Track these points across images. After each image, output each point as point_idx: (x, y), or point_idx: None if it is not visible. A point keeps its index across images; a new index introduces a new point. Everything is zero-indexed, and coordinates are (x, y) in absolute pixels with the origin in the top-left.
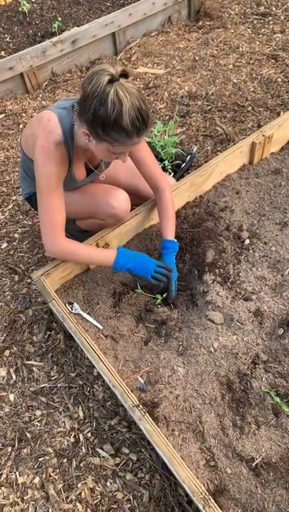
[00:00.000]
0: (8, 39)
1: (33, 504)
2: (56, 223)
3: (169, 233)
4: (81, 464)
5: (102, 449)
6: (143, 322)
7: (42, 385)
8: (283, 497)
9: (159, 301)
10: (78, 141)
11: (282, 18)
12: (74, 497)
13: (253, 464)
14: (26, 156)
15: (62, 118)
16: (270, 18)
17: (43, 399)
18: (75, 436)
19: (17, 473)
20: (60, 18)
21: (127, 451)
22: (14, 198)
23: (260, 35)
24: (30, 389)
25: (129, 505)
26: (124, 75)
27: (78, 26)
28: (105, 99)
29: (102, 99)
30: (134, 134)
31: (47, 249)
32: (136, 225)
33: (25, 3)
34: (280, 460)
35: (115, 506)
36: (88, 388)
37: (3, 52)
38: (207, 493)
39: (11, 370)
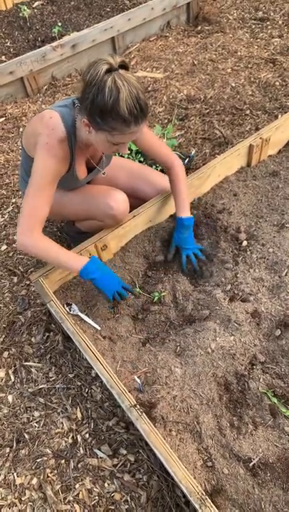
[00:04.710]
0: (8, 44)
1: (30, 505)
2: (38, 217)
3: (181, 211)
4: (79, 465)
5: (99, 450)
6: (141, 323)
7: (40, 386)
8: (280, 497)
9: (156, 299)
10: (80, 136)
11: (280, 22)
12: (72, 498)
13: (250, 465)
14: (27, 155)
15: (65, 115)
16: (268, 22)
17: (41, 400)
18: (73, 437)
19: (15, 474)
20: (60, 23)
21: (124, 452)
22: (14, 200)
23: (259, 40)
24: (29, 390)
25: (126, 507)
26: (124, 66)
27: (78, 31)
28: (103, 86)
29: (100, 87)
30: (132, 122)
31: (18, 242)
32: (134, 226)
33: (25, 8)
34: (277, 460)
35: (113, 507)
36: (86, 389)
37: (3, 56)
38: (204, 494)
39: (10, 372)
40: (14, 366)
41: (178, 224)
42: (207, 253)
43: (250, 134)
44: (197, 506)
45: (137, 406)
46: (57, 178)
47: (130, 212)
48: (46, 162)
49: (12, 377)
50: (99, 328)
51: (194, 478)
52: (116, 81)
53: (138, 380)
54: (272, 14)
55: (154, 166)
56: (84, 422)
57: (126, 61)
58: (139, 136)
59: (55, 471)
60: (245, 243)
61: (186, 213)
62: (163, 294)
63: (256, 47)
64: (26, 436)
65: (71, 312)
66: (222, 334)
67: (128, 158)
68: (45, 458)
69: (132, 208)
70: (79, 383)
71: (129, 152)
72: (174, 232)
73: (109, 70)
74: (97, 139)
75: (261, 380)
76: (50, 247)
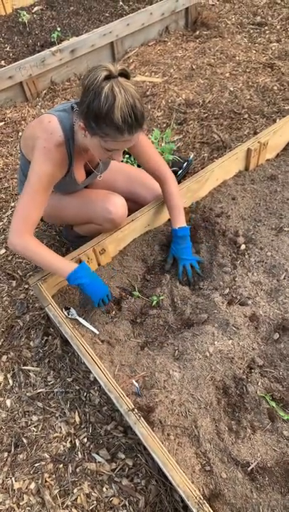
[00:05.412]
0: (8, 49)
1: (28, 510)
2: (31, 219)
3: (177, 221)
4: (77, 470)
5: (98, 454)
6: (139, 327)
7: (39, 390)
8: (278, 501)
9: (154, 303)
10: (79, 140)
11: (278, 27)
12: (70, 503)
13: (249, 469)
14: (26, 158)
15: (63, 119)
16: (266, 27)
17: (40, 404)
18: (71, 441)
19: (13, 478)
20: (59, 28)
21: (123, 456)
22: (13, 204)
23: (257, 45)
24: (27, 394)
25: (125, 511)
26: (124, 74)
27: (77, 36)
28: (100, 92)
29: (97, 93)
30: (125, 131)
31: (10, 241)
32: (133, 230)
33: (25, 13)
34: (276, 465)
35: None
36: (84, 393)
37: (3, 61)
38: (202, 498)
39: (8, 376)
40: (12, 370)
41: (173, 235)
42: (205, 265)
43: (249, 138)
44: (195, 511)
45: (135, 410)
46: (52, 182)
47: (128, 216)
48: (42, 166)
49: (10, 381)
50: (97, 332)
51: (192, 482)
52: (113, 88)
53: (136, 384)
54: (270, 19)
55: None
56: (82, 426)
57: (127, 70)
58: (135, 144)
59: (54, 476)
60: (243, 247)
61: (180, 224)
62: (161, 297)
63: (254, 51)
64: (24, 440)
65: (69, 316)
66: (220, 338)
67: (126, 162)
68: (44, 462)
69: (130, 212)
70: (77, 387)
71: (126, 157)
72: (172, 243)
73: (109, 77)
74: (91, 143)
75: (259, 384)
76: (39, 250)
